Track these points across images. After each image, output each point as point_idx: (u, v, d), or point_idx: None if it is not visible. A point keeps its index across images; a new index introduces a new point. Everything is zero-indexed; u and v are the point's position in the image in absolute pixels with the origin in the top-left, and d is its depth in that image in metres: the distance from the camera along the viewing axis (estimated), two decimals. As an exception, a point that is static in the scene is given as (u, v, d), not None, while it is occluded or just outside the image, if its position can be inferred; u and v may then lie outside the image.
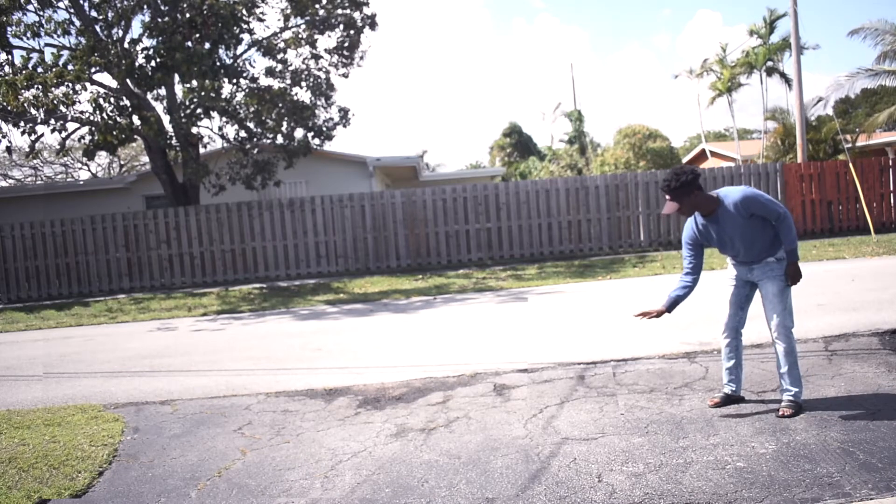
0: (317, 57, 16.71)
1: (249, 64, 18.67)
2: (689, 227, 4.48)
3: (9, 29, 13.92)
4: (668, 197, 4.31)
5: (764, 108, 31.59)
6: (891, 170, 15.79)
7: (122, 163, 33.38)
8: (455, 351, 6.94)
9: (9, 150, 15.74)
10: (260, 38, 16.15)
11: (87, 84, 14.00)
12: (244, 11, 14.36)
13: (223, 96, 14.52)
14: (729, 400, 4.58)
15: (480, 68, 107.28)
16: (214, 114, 15.02)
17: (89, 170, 32.84)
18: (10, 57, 14.23)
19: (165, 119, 14.86)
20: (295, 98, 15.87)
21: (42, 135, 15.23)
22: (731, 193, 4.27)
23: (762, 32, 31.53)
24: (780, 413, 4.28)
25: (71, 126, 14.64)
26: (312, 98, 16.55)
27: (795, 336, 4.43)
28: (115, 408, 5.70)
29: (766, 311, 4.37)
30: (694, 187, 4.25)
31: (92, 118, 14.06)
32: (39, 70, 13.56)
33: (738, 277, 4.50)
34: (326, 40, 16.69)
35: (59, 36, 14.38)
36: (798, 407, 4.31)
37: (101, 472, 4.26)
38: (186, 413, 5.44)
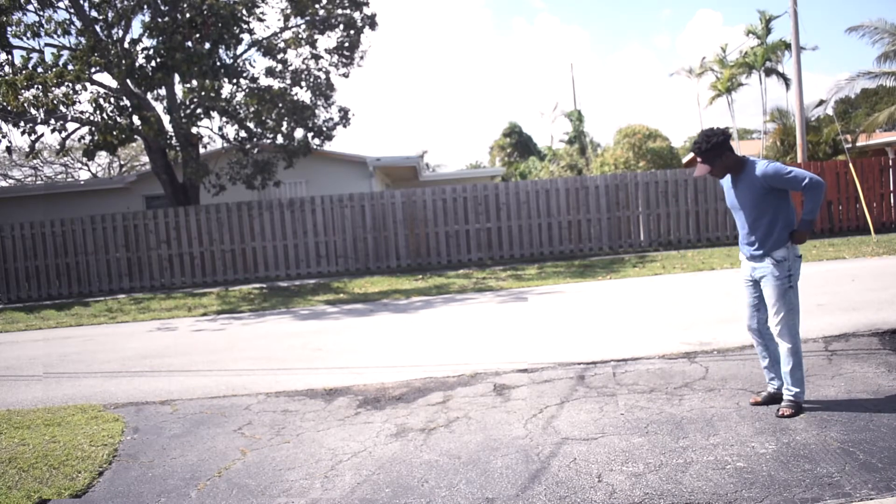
0: (317, 57, 16.73)
1: (249, 64, 18.65)
2: None
3: (9, 29, 13.92)
4: (699, 160, 4.37)
5: (763, 108, 31.61)
6: (891, 170, 15.81)
7: (122, 163, 33.39)
8: (455, 351, 6.94)
9: (9, 150, 15.74)
10: (260, 38, 16.17)
11: (87, 84, 14.00)
12: (244, 11, 14.37)
13: (223, 96, 14.52)
14: (772, 399, 4.48)
15: (480, 68, 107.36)
16: (214, 114, 15.04)
17: (89, 170, 32.86)
18: (10, 57, 14.23)
19: (165, 119, 14.88)
20: (295, 98, 15.88)
21: (42, 135, 15.26)
22: (758, 162, 4.32)
23: (759, 33, 31.60)
24: (780, 413, 4.28)
25: (71, 126, 14.66)
26: (312, 98, 16.58)
27: (796, 336, 4.42)
28: (115, 408, 5.70)
29: (769, 310, 4.35)
30: (725, 148, 4.30)
31: (92, 118, 14.06)
32: (39, 70, 13.56)
33: (746, 277, 4.49)
34: (326, 40, 16.74)
35: (59, 36, 14.40)
36: (798, 407, 4.30)
37: (101, 472, 4.27)
38: (186, 413, 5.44)
